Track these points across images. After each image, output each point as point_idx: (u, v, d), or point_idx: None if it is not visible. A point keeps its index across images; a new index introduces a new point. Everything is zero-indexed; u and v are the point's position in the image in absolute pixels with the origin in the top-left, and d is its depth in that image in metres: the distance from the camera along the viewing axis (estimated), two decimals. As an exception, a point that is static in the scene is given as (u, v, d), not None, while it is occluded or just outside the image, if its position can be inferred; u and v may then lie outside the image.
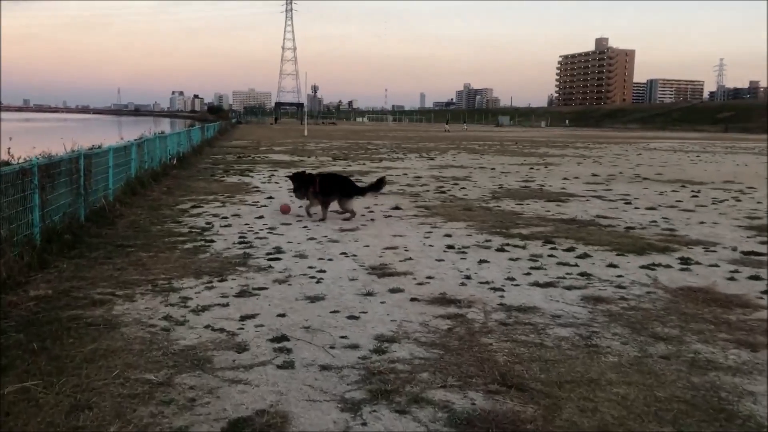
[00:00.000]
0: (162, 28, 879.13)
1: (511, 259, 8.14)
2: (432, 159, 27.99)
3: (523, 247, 8.90)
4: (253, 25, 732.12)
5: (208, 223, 10.61)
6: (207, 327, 5.42)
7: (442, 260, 8.06)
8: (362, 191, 11.13)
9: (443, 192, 15.56)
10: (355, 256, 8.26)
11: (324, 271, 7.41)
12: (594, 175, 21.04)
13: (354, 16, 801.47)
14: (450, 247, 8.87)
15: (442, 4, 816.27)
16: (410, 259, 8.11)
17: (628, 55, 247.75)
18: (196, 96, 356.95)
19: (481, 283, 6.96)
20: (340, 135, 57.30)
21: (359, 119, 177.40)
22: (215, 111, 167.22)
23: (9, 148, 22.08)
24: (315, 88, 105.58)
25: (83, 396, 4.03)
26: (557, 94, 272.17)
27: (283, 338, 5.16)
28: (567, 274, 7.42)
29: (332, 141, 45.38)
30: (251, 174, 19.53)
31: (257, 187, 16.13)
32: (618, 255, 8.46)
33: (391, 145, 40.90)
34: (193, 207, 12.45)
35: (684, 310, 6.00)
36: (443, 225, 10.73)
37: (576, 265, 7.85)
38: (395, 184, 17.10)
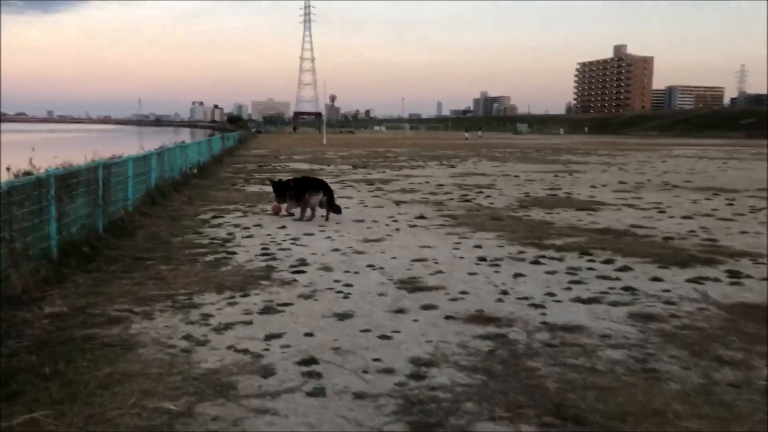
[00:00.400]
0: (181, 40, 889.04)
1: (548, 273, 7.70)
2: (453, 167, 27.58)
3: (560, 260, 8.46)
4: (271, 36, 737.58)
5: (229, 234, 10.30)
6: (230, 348, 5.06)
7: (475, 273, 7.65)
8: (328, 191, 11.99)
9: (468, 200, 15.14)
10: (382, 268, 7.87)
11: (351, 285, 7.03)
12: (621, 182, 20.49)
13: (371, 26, 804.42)
14: (482, 259, 8.45)
15: (457, 11, 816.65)
16: (441, 272, 7.71)
17: (647, 62, 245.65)
18: (215, 106, 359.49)
19: (519, 299, 6.54)
20: (358, 143, 57.09)
21: (376, 128, 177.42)
22: (235, 121, 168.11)
23: (31, 159, 22.22)
24: (333, 98, 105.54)
25: (96, 429, 3.68)
26: (575, 102, 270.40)
27: (312, 361, 4.79)
28: (610, 288, 6.97)
29: (351, 149, 45.14)
30: (267, 180, 19.22)
31: (278, 196, 15.81)
32: (661, 267, 7.99)
33: (410, 153, 40.55)
34: (214, 217, 12.15)
35: (745, 330, 5.53)
36: (472, 235, 10.31)
37: (618, 279, 7.40)
38: (417, 193, 16.71)
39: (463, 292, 6.76)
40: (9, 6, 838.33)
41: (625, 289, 6.95)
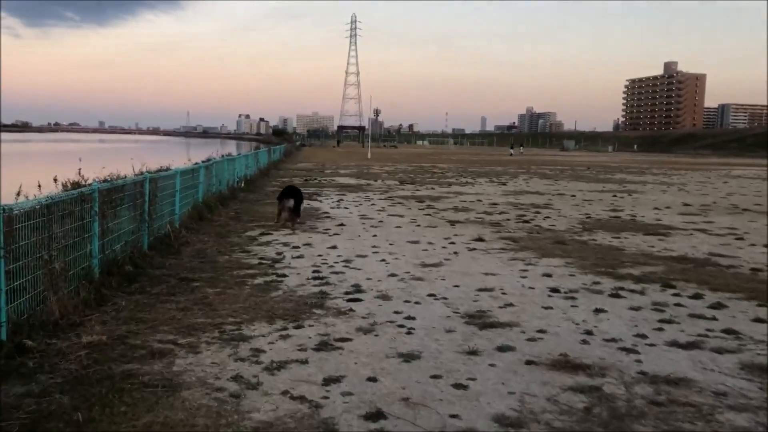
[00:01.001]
0: (229, 54, 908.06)
1: (632, 309, 6.90)
2: (504, 184, 26.72)
3: (641, 293, 7.63)
4: (317, 51, 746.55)
5: (278, 254, 9.75)
6: (285, 393, 4.44)
7: (550, 308, 6.89)
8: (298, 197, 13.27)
9: (526, 221, 14.33)
10: (445, 299, 7.18)
11: (413, 318, 6.36)
12: (686, 204, 19.36)
13: (416, 41, 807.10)
14: (554, 290, 7.68)
15: (503, 26, 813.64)
16: (511, 305, 6.98)
17: (699, 79, 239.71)
18: (261, 119, 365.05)
19: (606, 340, 5.77)
20: (402, 158, 56.55)
21: (419, 142, 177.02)
22: (280, 134, 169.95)
23: (80, 170, 22.27)
24: (377, 112, 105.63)
25: (131, 502, 3.08)
26: (624, 119, 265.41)
27: (379, 415, 4.13)
28: (708, 330, 6.14)
29: (396, 164, 44.59)
30: (319, 198, 18.76)
31: (327, 212, 15.29)
32: (760, 306, 7.10)
33: (457, 168, 39.77)
34: (262, 234, 11.65)
35: None
36: (538, 262, 9.53)
37: (714, 319, 6.55)
38: (471, 212, 15.97)
39: (541, 331, 6.01)
40: (66, 20, 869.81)
41: (727, 331, 6.10)
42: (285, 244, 10.62)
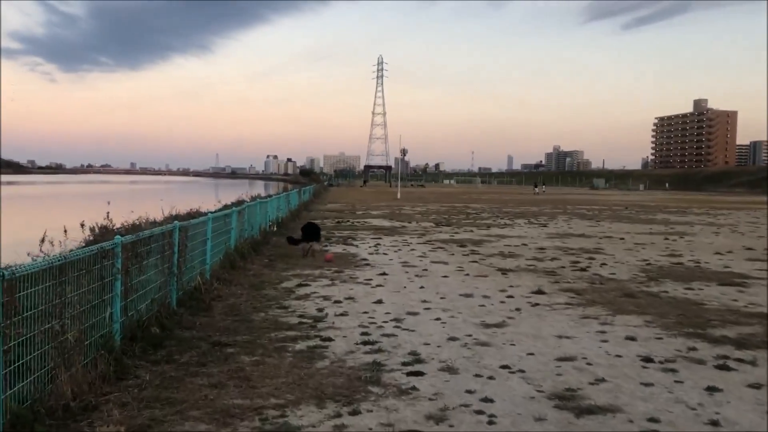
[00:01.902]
0: (257, 96, 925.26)
1: (751, 386, 5.74)
2: (544, 226, 25.54)
3: (752, 363, 6.46)
4: (344, 92, 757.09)
5: (319, 310, 8.76)
6: None
7: (650, 384, 5.76)
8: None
9: (583, 269, 13.17)
10: (522, 372, 6.08)
11: (491, 401, 5.28)
12: (748, 248, 17.99)
13: (441, 81, 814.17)
14: (647, 359, 6.54)
15: (529, 66, 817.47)
16: (603, 380, 5.86)
17: (730, 116, 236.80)
18: (289, 159, 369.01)
19: (740, 435, 4.62)
20: (432, 198, 55.63)
21: (446, 181, 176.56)
22: (307, 174, 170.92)
23: (108, 213, 21.69)
24: (404, 152, 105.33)
25: None
26: (653, 157, 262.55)
27: None
28: None
29: (427, 204, 43.67)
30: (355, 242, 17.81)
31: (365, 259, 14.30)
32: None
33: (491, 209, 38.66)
34: (300, 285, 10.69)
35: None
36: (613, 320, 8.39)
37: None
38: (520, 258, 14.86)
39: (653, 420, 4.89)
40: (100, 65, 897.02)
41: None
42: (325, 298, 9.64)
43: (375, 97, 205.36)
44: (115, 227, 20.87)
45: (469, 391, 5.49)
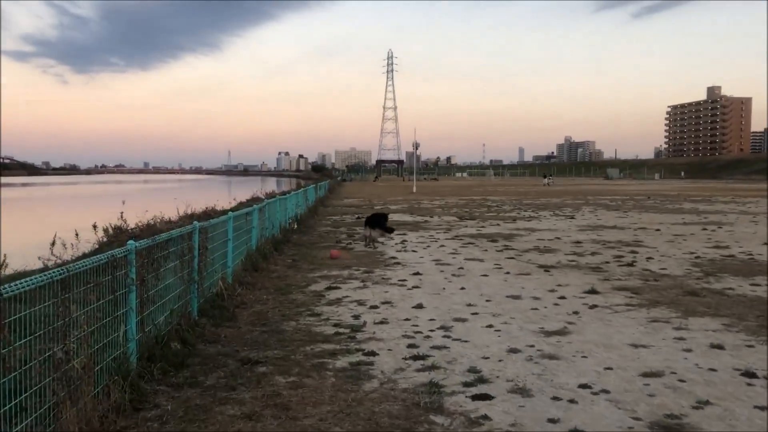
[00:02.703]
0: (268, 93, 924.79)
1: None
2: (572, 218, 24.53)
3: None
4: (354, 87, 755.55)
5: (355, 317, 7.89)
6: None
7: (764, 407, 4.83)
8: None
9: (629, 264, 12.22)
10: (607, 392, 5.18)
11: (582, 432, 4.38)
12: (796, 238, 16.94)
13: (452, 74, 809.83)
14: (748, 374, 5.61)
15: (540, 57, 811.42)
16: (707, 402, 4.94)
17: (744, 103, 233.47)
18: (300, 156, 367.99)
19: None
20: (448, 191, 54.62)
21: (458, 174, 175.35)
22: (319, 170, 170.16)
23: (122, 213, 20.93)
24: (416, 145, 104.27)
25: None
26: (667, 145, 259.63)
27: None
28: None
29: (445, 198, 42.71)
30: (380, 239, 16.89)
31: (394, 257, 13.42)
32: None
33: (511, 201, 37.65)
34: (329, 288, 9.83)
35: None
36: (687, 324, 7.46)
37: None
38: (558, 253, 13.92)
39: (791, 457, 3.97)
40: (111, 66, 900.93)
41: None
42: (359, 303, 8.76)
43: (386, 91, 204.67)
44: (129, 228, 20.24)
45: (552, 420, 4.60)
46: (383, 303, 8.74)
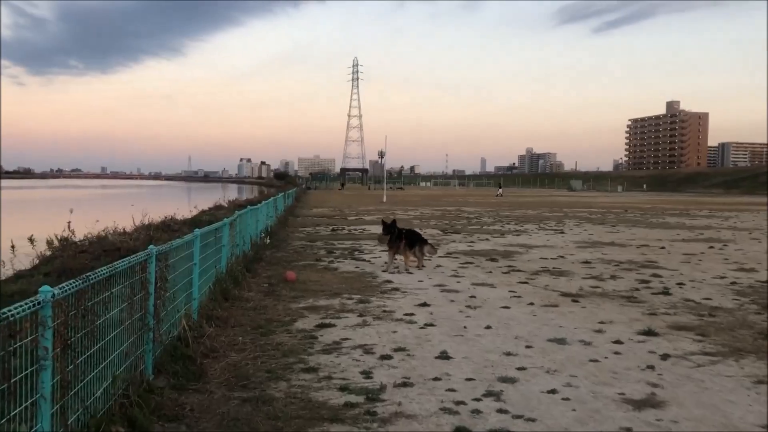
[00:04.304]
0: (230, 99, 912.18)
1: None
2: (562, 233, 22.97)
3: None
4: (318, 95, 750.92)
5: (366, 374, 5.93)
6: None
7: None
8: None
9: (664, 292, 10.53)
10: None
11: None
12: (817, 259, 15.57)
13: (416, 84, 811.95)
14: None
15: (503, 69, 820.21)
16: None
17: (702, 118, 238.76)
18: (263, 162, 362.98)
19: None
20: (418, 201, 52.91)
21: (422, 184, 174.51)
22: (282, 177, 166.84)
23: (69, 223, 18.49)
24: (382, 154, 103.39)
25: None
26: (627, 158, 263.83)
27: None
28: None
29: (418, 208, 40.98)
30: (364, 256, 14.97)
31: (388, 280, 11.48)
32: None
33: (488, 213, 36.10)
34: (321, 326, 7.85)
35: None
36: (801, 385, 5.71)
37: None
38: (573, 276, 12.18)
39: None
40: (70, 68, 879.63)
41: None
42: (365, 350, 6.80)
43: (351, 99, 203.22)
44: (77, 240, 17.85)
45: None
46: (396, 350, 6.80)
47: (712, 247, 18.07)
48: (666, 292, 10.57)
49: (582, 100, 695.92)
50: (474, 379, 5.79)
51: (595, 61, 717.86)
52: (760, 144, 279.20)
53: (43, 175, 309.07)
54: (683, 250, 17.39)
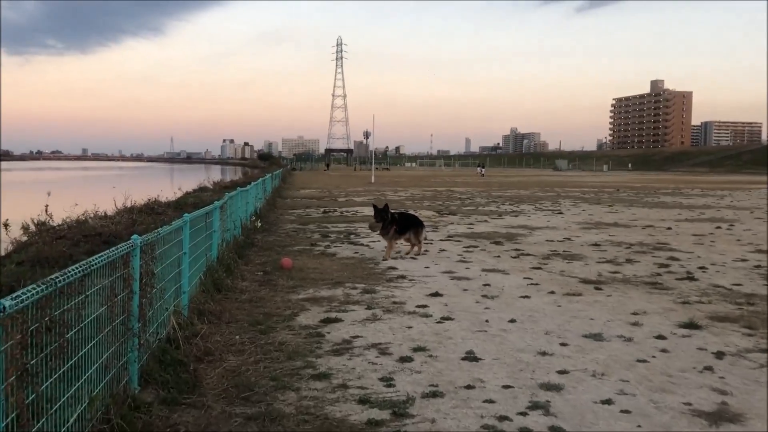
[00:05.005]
0: (213, 79, 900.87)
1: None
2: (560, 213, 22.29)
3: None
4: (302, 75, 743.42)
5: (386, 381, 5.14)
6: None
7: None
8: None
9: (688, 277, 9.83)
10: None
11: None
12: (831, 239, 14.99)
13: (400, 64, 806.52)
14: None
15: (487, 49, 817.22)
16: None
17: (686, 97, 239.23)
18: (246, 143, 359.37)
19: None
20: (407, 182, 52.07)
21: (408, 164, 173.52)
22: (266, 158, 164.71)
23: (47, 206, 17.44)
24: (368, 134, 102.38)
25: None
26: (611, 138, 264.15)
27: None
28: None
29: (408, 189, 40.18)
30: (361, 240, 14.14)
31: (393, 267, 10.68)
32: None
33: (480, 193, 35.41)
34: (327, 321, 7.04)
35: None
36: None
37: None
38: (588, 260, 11.45)
39: None
40: (48, 48, 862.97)
41: None
42: (381, 350, 6.00)
43: (335, 79, 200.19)
44: (55, 225, 16.83)
45: None
46: (415, 350, 6.00)
47: (719, 228, 17.47)
48: (691, 277, 9.87)
49: (566, 79, 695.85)
50: (512, 387, 5.01)
51: (579, 41, 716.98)
52: (742, 123, 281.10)
53: (22, 157, 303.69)
54: (691, 230, 16.76)
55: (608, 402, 4.69)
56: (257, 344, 6.15)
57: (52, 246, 12.33)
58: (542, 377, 5.22)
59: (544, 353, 5.88)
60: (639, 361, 5.67)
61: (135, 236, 4.70)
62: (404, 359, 5.71)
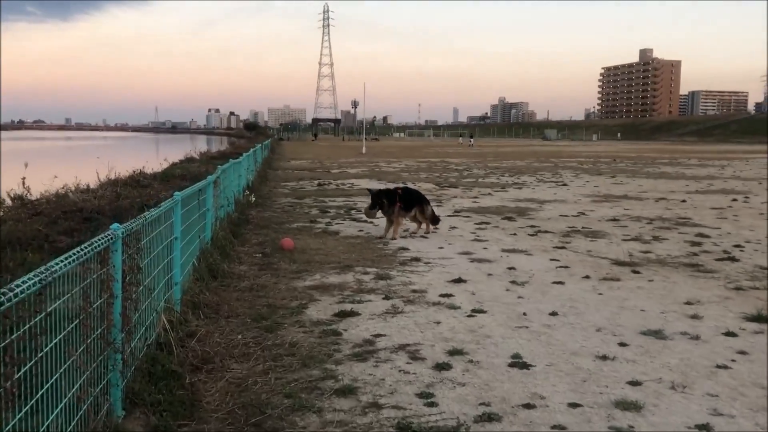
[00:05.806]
0: (198, 48, 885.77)
1: None
2: (564, 185, 21.44)
3: None
4: (288, 43, 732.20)
5: (426, 399, 4.24)
6: None
7: None
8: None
9: (727, 258, 8.99)
10: None
11: None
12: None
13: (387, 33, 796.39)
14: None
15: (476, 18, 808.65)
16: None
17: (674, 66, 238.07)
18: (232, 113, 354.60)
19: None
20: (399, 153, 50.96)
21: (397, 134, 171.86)
22: (252, 128, 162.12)
23: (24, 179, 16.28)
24: (355, 104, 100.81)
25: None
26: (599, 107, 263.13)
27: None
28: None
29: (401, 160, 39.12)
30: (362, 216, 13.14)
31: (404, 247, 9.74)
32: None
33: (476, 164, 34.50)
34: (341, 315, 6.11)
35: None
36: None
37: None
38: (611, 238, 10.60)
39: None
40: (28, 15, 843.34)
41: None
42: (411, 354, 5.09)
43: (321, 47, 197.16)
44: (33, 199, 15.75)
45: None
46: (452, 353, 5.10)
47: (735, 200, 16.69)
48: (731, 257, 9.03)
49: (554, 48, 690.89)
50: (581, 405, 4.13)
51: (567, 9, 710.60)
52: (729, 92, 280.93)
53: (4, 127, 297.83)
54: (706, 203, 15.97)
55: (706, 429, 3.81)
56: (264, 346, 5.22)
57: (27, 224, 11.28)
58: (613, 391, 4.34)
59: (604, 357, 4.99)
60: (719, 367, 4.81)
61: (115, 225, 3.72)
62: (441, 366, 4.80)
